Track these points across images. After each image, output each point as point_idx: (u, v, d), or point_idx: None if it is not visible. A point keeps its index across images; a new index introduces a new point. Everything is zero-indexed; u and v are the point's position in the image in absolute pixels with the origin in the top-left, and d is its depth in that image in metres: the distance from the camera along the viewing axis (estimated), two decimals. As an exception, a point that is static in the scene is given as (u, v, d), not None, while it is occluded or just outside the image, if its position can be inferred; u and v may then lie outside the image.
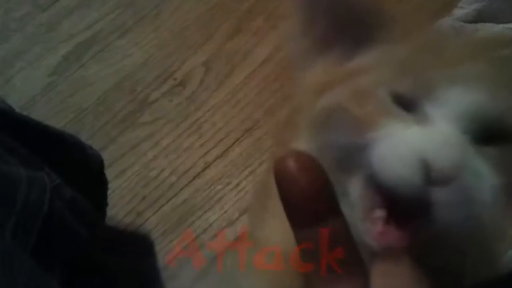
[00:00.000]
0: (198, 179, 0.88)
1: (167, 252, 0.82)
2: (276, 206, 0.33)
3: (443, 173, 0.30)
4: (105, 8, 1.04)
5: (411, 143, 0.31)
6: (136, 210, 0.86)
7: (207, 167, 0.88)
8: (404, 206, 0.30)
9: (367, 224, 0.31)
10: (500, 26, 0.85)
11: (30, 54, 1.02)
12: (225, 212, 0.85)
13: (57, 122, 0.91)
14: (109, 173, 0.78)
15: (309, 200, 0.26)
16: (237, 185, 0.87)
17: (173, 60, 0.98)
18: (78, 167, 0.71)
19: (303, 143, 0.39)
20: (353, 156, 0.33)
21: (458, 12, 0.86)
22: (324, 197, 0.27)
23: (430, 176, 0.30)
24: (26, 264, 0.46)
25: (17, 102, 0.92)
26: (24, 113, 0.67)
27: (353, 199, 0.33)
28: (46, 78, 0.99)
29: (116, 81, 0.97)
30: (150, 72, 0.97)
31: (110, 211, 0.80)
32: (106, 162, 0.77)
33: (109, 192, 0.79)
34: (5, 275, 0.42)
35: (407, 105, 0.33)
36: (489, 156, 0.32)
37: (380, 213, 0.31)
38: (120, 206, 0.86)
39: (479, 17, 0.86)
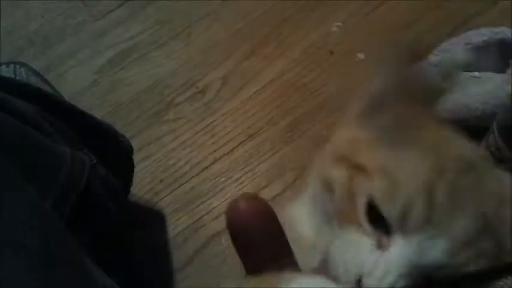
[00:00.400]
0: (206, 171, 0.97)
1: (176, 227, 0.92)
2: None
3: None
4: (147, 24, 1.15)
5: (359, 258, 0.32)
6: (154, 190, 0.96)
7: (215, 161, 0.98)
8: None
9: None
10: (466, 73, 0.95)
11: (81, 54, 1.12)
12: (226, 200, 0.93)
13: (98, 112, 1.00)
14: (135, 158, 0.89)
15: (261, 243, 0.25)
16: (238, 179, 0.96)
17: (197, 72, 1.07)
18: (111, 151, 0.79)
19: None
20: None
21: (434, 58, 0.94)
22: (275, 241, 0.26)
23: None
24: (61, 232, 0.46)
25: (67, 93, 1.04)
26: (72, 103, 0.78)
27: None
28: (92, 76, 1.09)
29: (148, 85, 1.07)
30: (177, 80, 1.07)
31: (133, 189, 0.92)
32: (134, 149, 0.89)
33: (133, 173, 0.90)
34: (41, 238, 0.41)
35: (381, 219, 0.32)
36: None
37: None
38: (141, 186, 0.96)
39: None
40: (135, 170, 0.91)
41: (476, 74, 0.97)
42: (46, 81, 1.03)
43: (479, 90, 0.95)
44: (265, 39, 1.10)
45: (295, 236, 0.30)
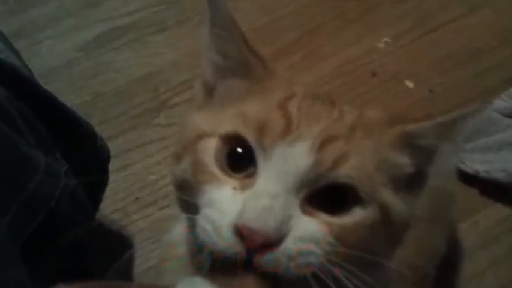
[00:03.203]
0: None
1: (147, 260, 0.80)
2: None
3: (257, 242, 0.32)
4: (151, 0, 1.05)
5: (224, 211, 0.34)
6: (126, 210, 0.84)
7: None
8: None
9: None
10: None
11: (63, 24, 1.02)
12: None
13: (72, 99, 0.90)
14: (110, 165, 0.77)
15: None
16: None
17: (203, 70, 0.97)
18: (86, 155, 0.71)
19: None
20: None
21: (499, 103, 0.88)
22: None
23: (247, 244, 0.32)
24: (15, 260, 0.45)
25: (38, 68, 0.90)
26: (42, 82, 0.67)
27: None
28: (73, 53, 0.99)
29: (141, 75, 0.97)
30: (177, 75, 0.97)
31: (101, 204, 0.78)
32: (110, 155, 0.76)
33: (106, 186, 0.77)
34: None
35: (246, 161, 0.36)
36: (328, 221, 0.34)
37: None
38: (112, 201, 0.84)
39: None
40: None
41: None
42: (13, 50, 0.89)
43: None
44: (292, 45, 1.01)
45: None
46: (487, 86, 0.94)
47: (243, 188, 0.35)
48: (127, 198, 0.86)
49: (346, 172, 0.34)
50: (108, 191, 0.81)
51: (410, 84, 0.96)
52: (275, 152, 0.35)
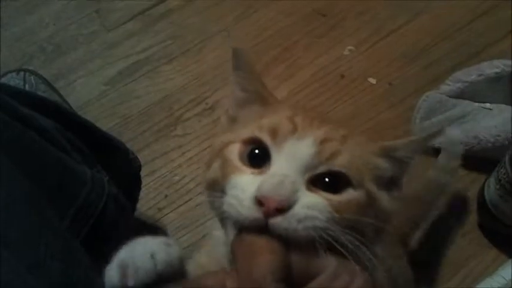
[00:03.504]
0: None
1: (179, 244, 0.85)
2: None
3: (272, 207, 0.36)
4: (159, 37, 1.09)
5: (245, 189, 0.37)
6: (158, 206, 0.89)
7: None
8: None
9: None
10: (476, 104, 0.91)
11: (91, 64, 1.06)
12: None
13: (106, 123, 0.95)
14: (141, 172, 0.82)
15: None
16: None
17: (207, 88, 1.01)
18: (121, 168, 0.74)
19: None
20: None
21: (445, 87, 0.91)
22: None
23: (264, 210, 0.36)
24: (77, 254, 0.47)
25: (74, 102, 0.97)
26: (80, 113, 0.73)
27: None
28: (101, 87, 1.03)
29: (158, 98, 1.01)
30: (187, 95, 1.01)
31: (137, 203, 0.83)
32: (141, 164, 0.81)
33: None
34: (60, 261, 0.43)
35: (262, 158, 0.40)
36: (326, 196, 0.38)
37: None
38: (146, 201, 0.89)
39: (460, 95, 0.91)
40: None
41: (488, 105, 0.92)
42: (55, 90, 0.97)
43: (490, 122, 0.89)
44: (276, 60, 1.05)
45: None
46: (434, 75, 0.98)
47: (261, 174, 0.39)
48: (157, 196, 0.90)
49: (339, 163, 0.39)
50: (142, 192, 0.85)
51: (373, 80, 1.00)
52: (286, 145, 0.39)
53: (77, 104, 0.97)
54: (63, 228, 0.49)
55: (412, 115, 0.92)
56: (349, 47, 1.05)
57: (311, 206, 0.37)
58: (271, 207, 0.36)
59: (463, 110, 0.91)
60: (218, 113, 0.99)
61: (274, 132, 0.40)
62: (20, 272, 0.39)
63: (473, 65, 0.92)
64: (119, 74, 1.04)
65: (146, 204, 0.90)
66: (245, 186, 0.38)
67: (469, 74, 0.91)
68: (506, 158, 0.75)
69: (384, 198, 0.42)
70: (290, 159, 0.39)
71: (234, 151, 0.41)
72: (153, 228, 0.88)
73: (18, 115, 0.53)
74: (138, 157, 0.82)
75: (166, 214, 0.89)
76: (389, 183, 0.43)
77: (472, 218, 0.85)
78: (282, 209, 0.36)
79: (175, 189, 0.91)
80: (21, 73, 0.92)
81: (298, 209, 0.36)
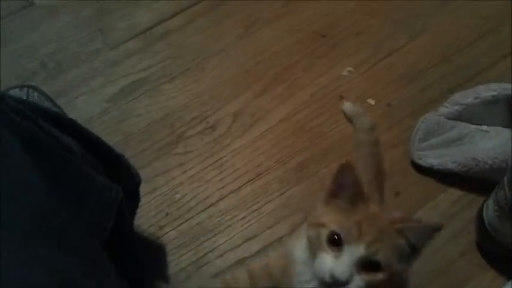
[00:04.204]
0: (212, 207, 0.91)
1: (179, 263, 0.86)
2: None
3: (339, 281, 0.59)
4: (160, 57, 1.10)
5: (327, 265, 0.60)
6: (159, 224, 0.90)
7: (222, 198, 0.92)
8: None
9: None
10: (473, 126, 0.94)
11: (93, 82, 1.07)
12: (231, 238, 0.88)
13: (107, 140, 0.86)
14: (142, 189, 0.82)
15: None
16: (244, 217, 0.91)
17: (209, 107, 1.03)
18: (124, 183, 0.72)
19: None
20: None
21: (443, 109, 0.94)
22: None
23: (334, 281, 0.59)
24: (102, 260, 0.52)
25: (77, 119, 0.93)
26: None
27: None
28: (103, 104, 1.04)
29: (159, 117, 1.02)
30: (188, 113, 1.02)
31: (137, 221, 0.85)
32: (142, 180, 0.81)
33: (139, 205, 0.82)
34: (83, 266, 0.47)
35: (339, 242, 0.60)
36: (366, 278, 0.59)
37: None
38: (146, 218, 0.90)
39: (458, 117, 0.94)
40: (141, 201, 0.83)
41: (485, 128, 0.94)
42: (57, 106, 0.97)
43: (488, 144, 0.92)
44: (277, 80, 1.06)
45: (293, 259, 0.70)
46: (431, 97, 1.01)
47: (336, 257, 0.60)
48: (158, 214, 0.91)
49: (379, 257, 0.59)
50: (143, 210, 0.88)
51: (372, 101, 1.02)
52: (352, 245, 0.60)
53: (79, 121, 0.92)
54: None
55: (411, 136, 0.95)
56: (349, 68, 1.07)
57: (357, 284, 0.59)
58: (337, 282, 0.59)
59: (461, 132, 0.94)
60: (219, 132, 1.00)
61: (348, 232, 0.60)
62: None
63: (470, 88, 0.95)
64: (121, 92, 1.05)
65: (147, 222, 0.90)
66: (327, 263, 0.60)
67: (466, 97, 0.94)
68: (505, 181, 0.77)
69: (400, 268, 0.61)
70: (352, 254, 0.60)
71: (324, 235, 0.62)
72: (154, 246, 0.89)
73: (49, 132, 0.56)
74: (140, 174, 0.81)
75: (167, 232, 0.90)
76: (406, 257, 0.63)
77: (470, 238, 0.87)
78: (344, 283, 0.59)
79: (177, 207, 0.92)
80: (25, 89, 0.93)
81: (352, 285, 0.59)
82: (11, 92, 0.91)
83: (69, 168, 0.55)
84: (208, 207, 0.92)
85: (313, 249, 0.63)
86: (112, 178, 0.68)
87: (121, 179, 0.73)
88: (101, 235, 0.57)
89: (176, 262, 0.87)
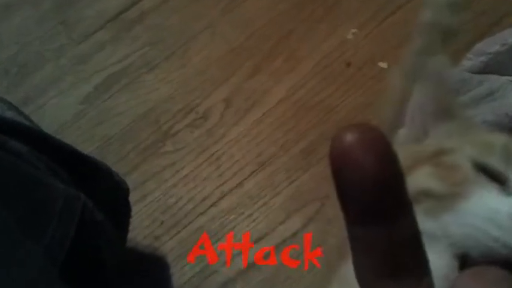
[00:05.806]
0: (213, 208, 0.88)
1: (182, 275, 0.83)
2: None
3: None
4: (136, 45, 1.05)
5: (504, 209, 0.34)
6: (154, 234, 0.86)
7: (222, 197, 0.89)
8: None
9: None
10: (504, 78, 0.87)
11: (62, 83, 1.03)
12: (237, 240, 0.85)
13: (85, 147, 0.92)
14: (131, 198, 0.79)
15: (373, 191, 0.19)
16: (250, 215, 0.87)
17: (196, 95, 0.98)
18: (107, 193, 0.72)
19: None
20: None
21: (467, 63, 0.88)
22: (393, 189, 0.19)
23: None
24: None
25: (49, 127, 0.92)
26: None
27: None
28: (77, 106, 1.00)
29: (142, 112, 0.98)
30: (174, 105, 0.98)
31: (130, 233, 0.81)
32: (129, 188, 0.78)
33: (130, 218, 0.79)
34: None
35: (494, 176, 0.37)
36: None
37: None
38: (140, 230, 0.86)
39: (485, 69, 0.88)
40: (132, 211, 0.81)
41: None
42: (24, 116, 0.91)
43: (521, 96, 0.86)
44: (271, 54, 1.02)
45: None
46: (453, 50, 0.95)
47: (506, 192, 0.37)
48: (152, 224, 0.87)
49: None
50: (135, 221, 0.83)
51: (383, 64, 0.97)
52: None
53: (51, 129, 0.93)
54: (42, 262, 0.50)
55: (433, 99, 0.90)
56: (353, 30, 1.02)
57: None
58: None
59: (491, 86, 0.88)
60: (211, 122, 0.96)
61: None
62: None
63: (494, 34, 0.89)
64: (95, 90, 1.02)
65: (141, 233, 0.87)
66: (500, 206, 0.35)
67: (492, 45, 0.87)
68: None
69: None
70: None
71: None
72: (152, 259, 0.86)
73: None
74: (126, 182, 0.78)
75: (165, 242, 0.86)
76: None
77: None
78: None
79: (172, 213, 0.89)
80: (-19, 101, 0.88)
81: None
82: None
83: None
84: (209, 208, 0.89)
85: None
86: (90, 189, 0.65)
87: (102, 189, 0.71)
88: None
89: (179, 275, 0.84)
